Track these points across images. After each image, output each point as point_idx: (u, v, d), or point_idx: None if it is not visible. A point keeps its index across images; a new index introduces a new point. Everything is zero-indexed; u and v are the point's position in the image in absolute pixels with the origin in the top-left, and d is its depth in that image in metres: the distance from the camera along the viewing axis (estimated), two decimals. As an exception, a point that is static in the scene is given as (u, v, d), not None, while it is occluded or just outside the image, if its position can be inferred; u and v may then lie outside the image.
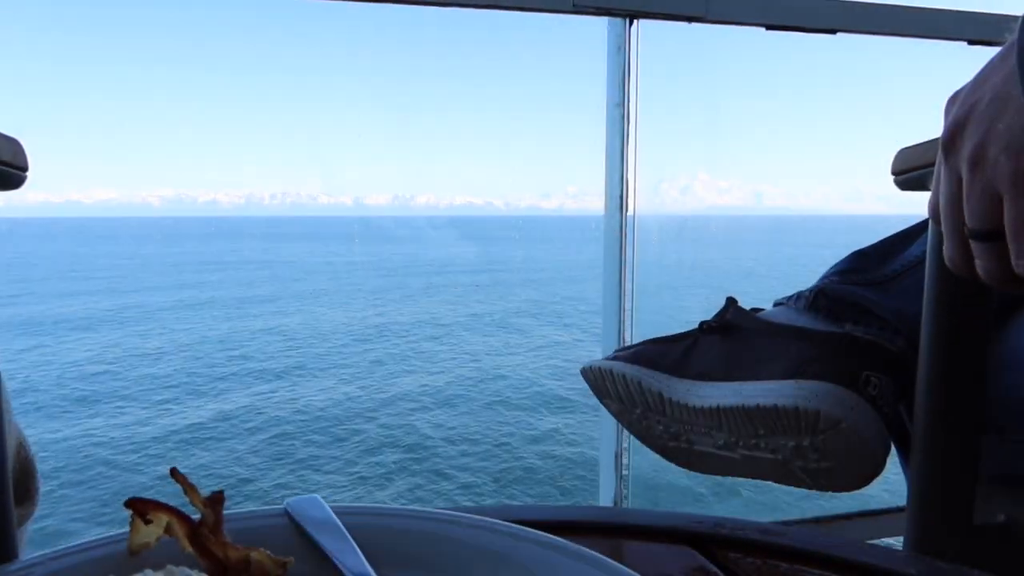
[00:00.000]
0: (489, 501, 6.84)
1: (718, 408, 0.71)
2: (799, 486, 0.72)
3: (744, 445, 0.72)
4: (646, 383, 0.77)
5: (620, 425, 0.92)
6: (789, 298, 0.81)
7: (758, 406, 0.69)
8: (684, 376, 0.77)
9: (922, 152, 0.71)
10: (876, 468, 0.67)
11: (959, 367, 0.65)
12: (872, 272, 0.78)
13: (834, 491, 0.71)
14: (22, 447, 0.73)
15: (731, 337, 0.77)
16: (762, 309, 0.82)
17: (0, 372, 0.67)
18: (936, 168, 0.48)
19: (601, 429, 1.61)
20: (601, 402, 0.85)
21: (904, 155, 0.74)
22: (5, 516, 0.52)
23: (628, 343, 1.41)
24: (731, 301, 0.81)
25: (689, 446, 0.77)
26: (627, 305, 1.57)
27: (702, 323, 0.79)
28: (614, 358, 0.82)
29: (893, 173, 0.76)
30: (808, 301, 0.78)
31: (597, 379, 0.83)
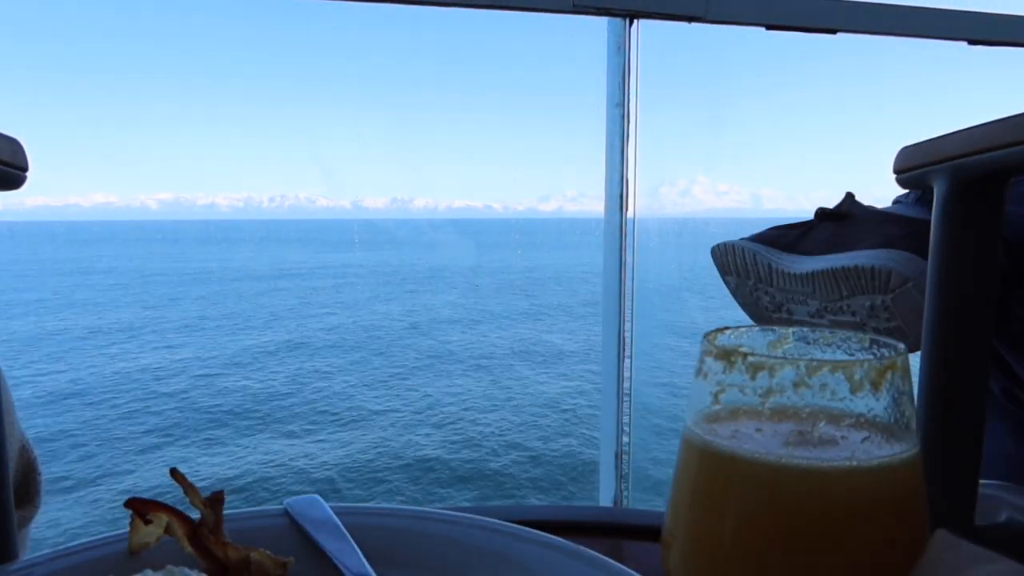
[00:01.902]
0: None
1: (812, 273, 0.82)
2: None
3: (831, 310, 0.82)
4: (761, 256, 0.89)
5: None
6: (905, 195, 0.90)
7: (843, 267, 0.79)
8: (793, 252, 0.89)
9: (924, 150, 0.71)
10: None
11: (962, 370, 0.65)
12: None
13: None
14: (24, 449, 0.73)
15: (842, 223, 0.87)
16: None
17: (2, 374, 0.66)
18: None
19: (601, 430, 1.61)
20: (723, 279, 0.97)
21: (906, 153, 0.74)
22: (5, 517, 0.52)
23: (628, 340, 1.44)
24: (849, 195, 0.91)
25: (789, 316, 0.88)
26: (627, 304, 1.57)
27: (819, 210, 0.90)
28: (740, 239, 0.94)
29: (895, 171, 0.76)
30: (918, 196, 0.86)
31: (722, 254, 0.95)
